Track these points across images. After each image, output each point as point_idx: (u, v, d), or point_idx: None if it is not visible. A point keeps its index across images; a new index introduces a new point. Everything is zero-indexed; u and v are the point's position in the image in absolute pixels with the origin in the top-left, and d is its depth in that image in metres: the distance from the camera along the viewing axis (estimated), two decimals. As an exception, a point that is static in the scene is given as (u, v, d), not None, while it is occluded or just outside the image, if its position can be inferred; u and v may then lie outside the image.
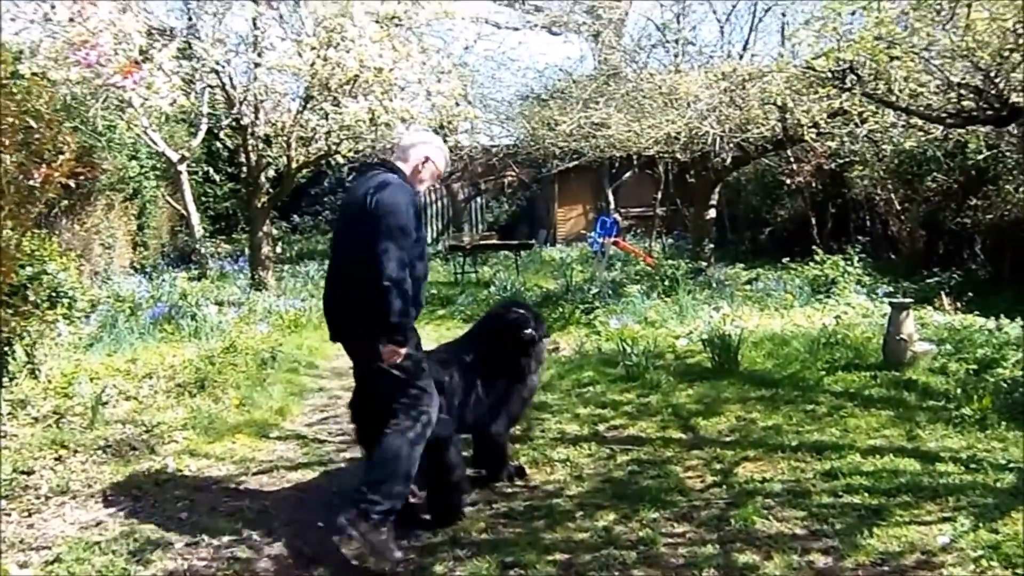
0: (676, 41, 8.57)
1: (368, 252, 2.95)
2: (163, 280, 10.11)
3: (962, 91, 4.84)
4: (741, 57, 8.15)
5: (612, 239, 11.83)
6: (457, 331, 7.45)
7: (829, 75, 4.98)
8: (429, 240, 17.04)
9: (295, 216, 18.07)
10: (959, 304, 7.35)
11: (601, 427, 4.51)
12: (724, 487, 3.56)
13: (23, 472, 3.81)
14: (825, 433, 4.17)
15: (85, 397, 4.79)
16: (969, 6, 4.54)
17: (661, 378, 5.23)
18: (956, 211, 10.04)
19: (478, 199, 17.12)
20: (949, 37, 4.66)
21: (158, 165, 13.16)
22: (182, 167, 12.65)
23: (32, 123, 4.17)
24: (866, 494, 3.34)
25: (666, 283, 8.41)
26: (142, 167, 12.54)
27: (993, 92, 4.78)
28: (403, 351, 3.02)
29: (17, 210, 4.27)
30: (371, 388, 3.21)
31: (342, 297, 3.16)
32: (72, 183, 4.63)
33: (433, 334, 7.62)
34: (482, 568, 2.86)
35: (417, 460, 3.03)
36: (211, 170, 15.64)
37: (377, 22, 6.95)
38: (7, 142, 4.03)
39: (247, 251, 11.61)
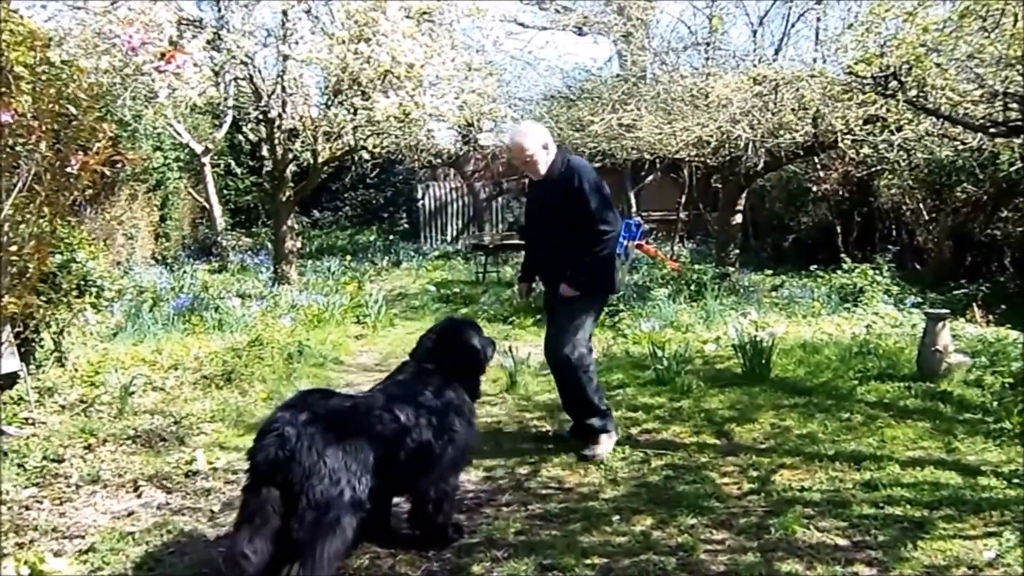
0: (707, 44, 8.50)
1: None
2: (184, 272, 10.18)
3: (1007, 100, 4.75)
4: (774, 61, 8.07)
5: (636, 242, 11.73)
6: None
7: (871, 80, 4.89)
8: (449, 238, 17.01)
9: (315, 211, 18.11)
10: (991, 316, 7.24)
11: (634, 430, 4.45)
12: (762, 495, 3.50)
13: (53, 460, 3.82)
14: (862, 443, 4.11)
15: (112, 386, 4.81)
16: (1016, 15, 4.44)
17: (692, 383, 5.17)
18: (985, 223, 9.91)
19: (499, 198, 17.06)
20: (994, 46, 4.58)
21: (181, 156, 13.25)
22: (205, 159, 12.74)
23: (72, 109, 4.16)
24: (908, 506, 3.28)
25: (692, 288, 8.34)
26: (166, 158, 12.63)
27: (1040, 102, 4.68)
28: None
29: (53, 197, 4.27)
30: (557, 319, 4.08)
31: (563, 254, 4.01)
32: (107, 171, 4.64)
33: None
34: (520, 570, 2.82)
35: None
36: (233, 163, 15.73)
37: (409, 17, 6.92)
38: (43, 128, 4.02)
39: (270, 245, 11.64)
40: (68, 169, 4.01)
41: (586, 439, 4.06)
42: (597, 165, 15.04)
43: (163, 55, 5.78)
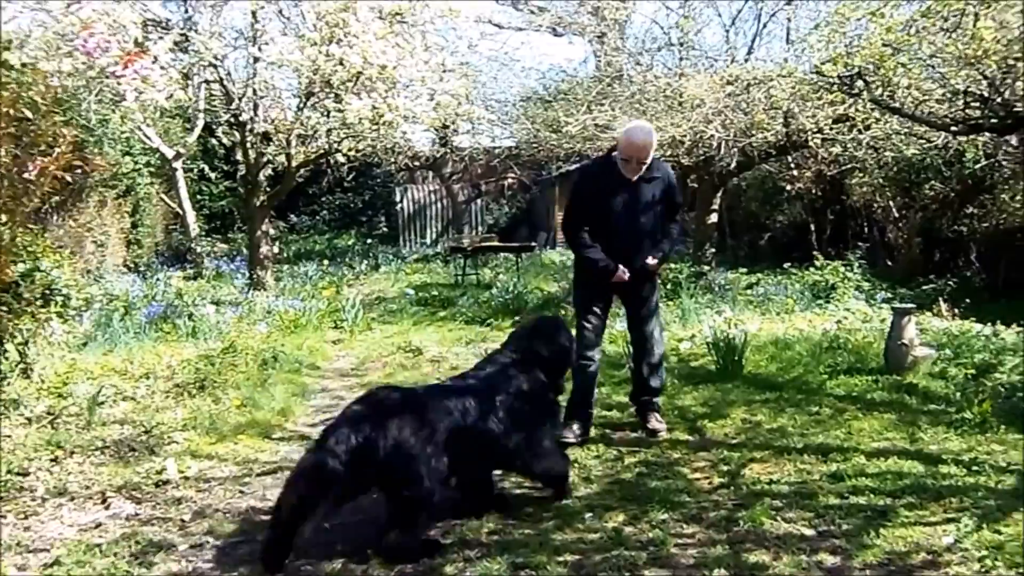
0: (681, 44, 8.58)
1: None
2: (158, 279, 10.04)
3: (968, 99, 4.85)
4: (746, 61, 8.17)
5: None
6: (459, 332, 7.40)
7: (837, 80, 4.98)
8: (428, 241, 16.95)
9: (292, 216, 17.94)
10: (956, 310, 7.38)
11: (608, 429, 4.48)
12: (732, 488, 3.54)
13: (18, 474, 3.73)
14: (830, 436, 4.18)
15: (81, 397, 4.71)
16: (976, 15, 4.55)
17: (666, 381, 5.19)
18: (953, 219, 10.12)
19: (478, 201, 17.07)
20: (956, 45, 4.68)
21: (152, 161, 13.04)
22: (177, 164, 12.56)
23: (28, 114, 4.09)
24: (872, 495, 3.34)
25: (668, 286, 8.41)
26: (136, 163, 12.41)
27: (998, 101, 4.80)
28: None
29: (12, 204, 4.19)
30: (643, 300, 4.45)
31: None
32: (68, 177, 4.55)
33: (435, 335, 7.57)
34: (493, 569, 2.82)
35: None
36: (207, 168, 15.50)
37: (381, 18, 6.90)
38: (1, 134, 3.94)
39: (245, 250, 11.52)
40: (26, 175, 3.94)
41: (586, 429, 4.31)
42: (574, 166, 15.21)
43: (123, 57, 5.66)
